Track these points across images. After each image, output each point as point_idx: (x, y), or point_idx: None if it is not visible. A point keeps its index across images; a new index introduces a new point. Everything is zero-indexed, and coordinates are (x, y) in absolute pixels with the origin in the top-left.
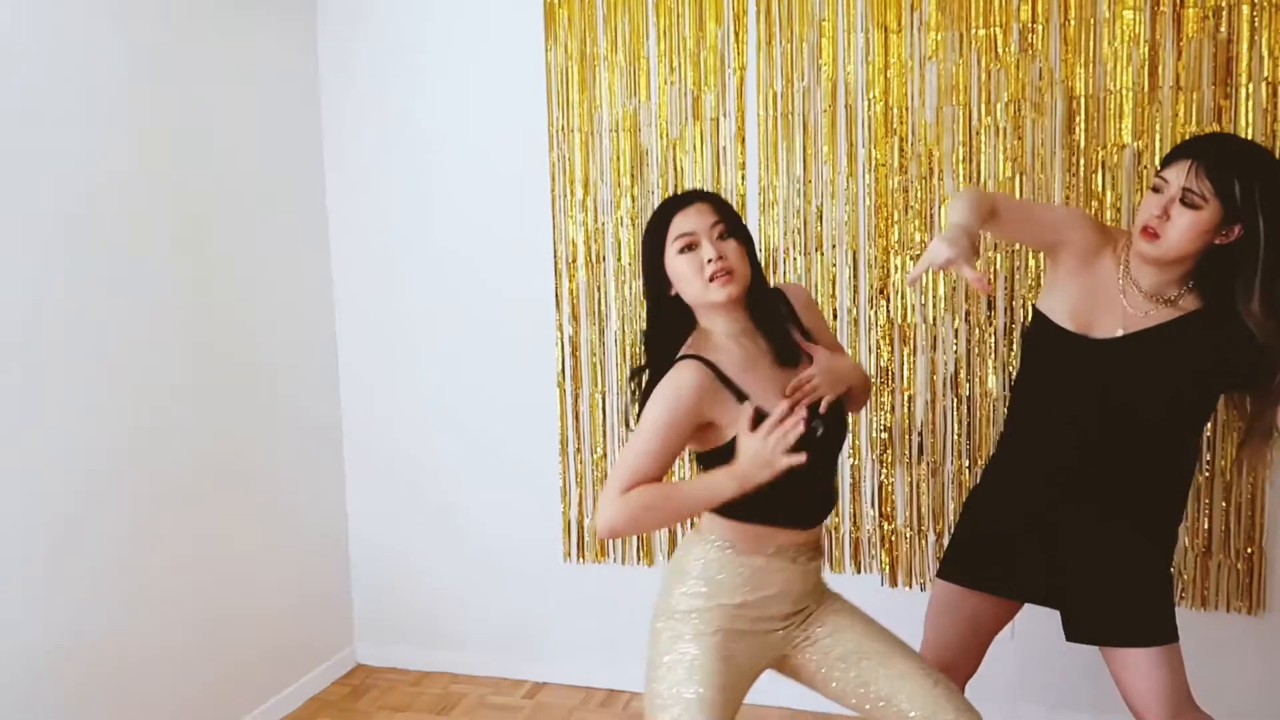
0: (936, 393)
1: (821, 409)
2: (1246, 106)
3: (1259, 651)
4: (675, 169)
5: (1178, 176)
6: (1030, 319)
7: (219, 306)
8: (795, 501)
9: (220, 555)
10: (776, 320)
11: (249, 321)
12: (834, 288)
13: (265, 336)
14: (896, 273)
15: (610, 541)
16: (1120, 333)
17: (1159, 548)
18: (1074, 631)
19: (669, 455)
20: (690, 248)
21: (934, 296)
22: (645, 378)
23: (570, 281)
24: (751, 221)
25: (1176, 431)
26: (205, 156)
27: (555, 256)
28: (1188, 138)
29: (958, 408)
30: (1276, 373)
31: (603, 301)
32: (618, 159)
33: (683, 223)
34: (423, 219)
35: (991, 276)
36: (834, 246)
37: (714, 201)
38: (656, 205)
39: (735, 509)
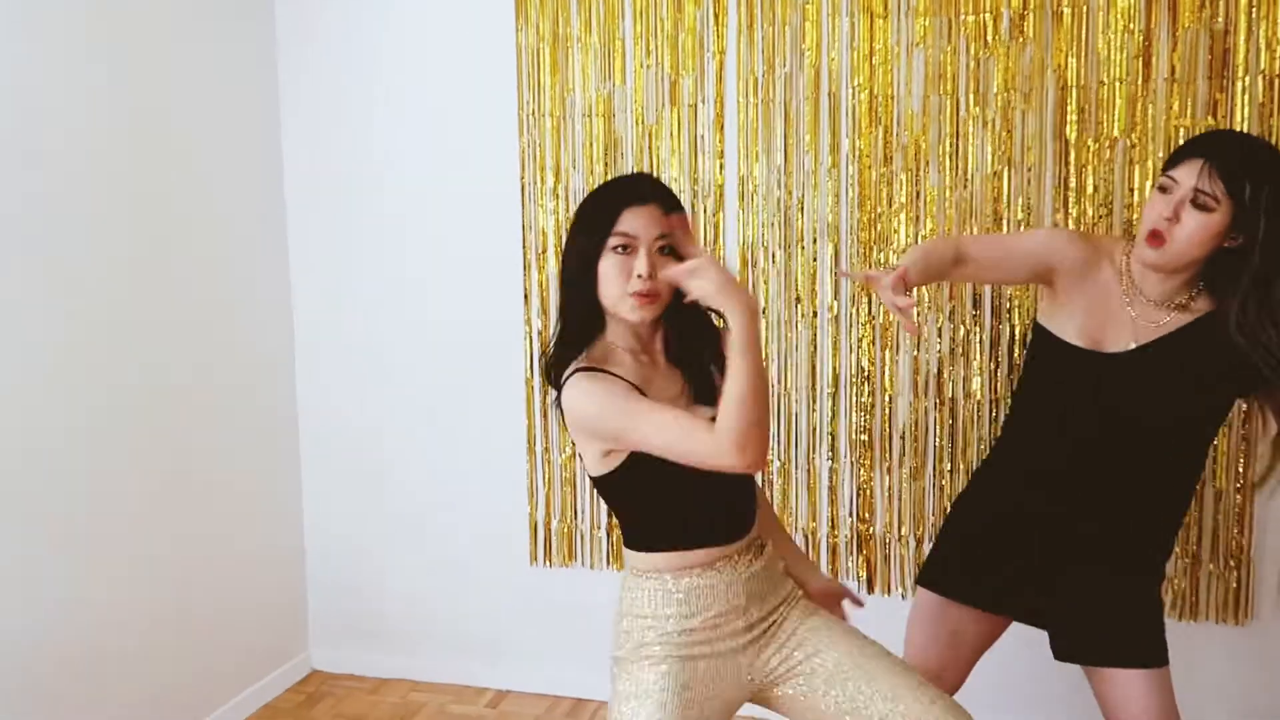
0: (918, 393)
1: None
2: (1242, 100)
3: (1246, 661)
4: (651, 156)
5: (1189, 176)
6: (1032, 334)
7: (172, 302)
8: (712, 520)
9: (169, 557)
10: (694, 353)
11: (202, 317)
12: (814, 283)
13: (219, 332)
14: (879, 267)
15: (579, 544)
16: (1133, 345)
17: (1156, 566)
18: (1062, 650)
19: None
20: (626, 249)
21: (917, 293)
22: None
23: (540, 274)
24: (730, 213)
25: (1192, 444)
26: (159, 146)
27: (524, 247)
28: (1194, 134)
29: (939, 409)
30: None
31: None
32: (591, 145)
33: (629, 221)
34: (385, 207)
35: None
36: (815, 240)
37: (666, 206)
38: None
39: (646, 543)
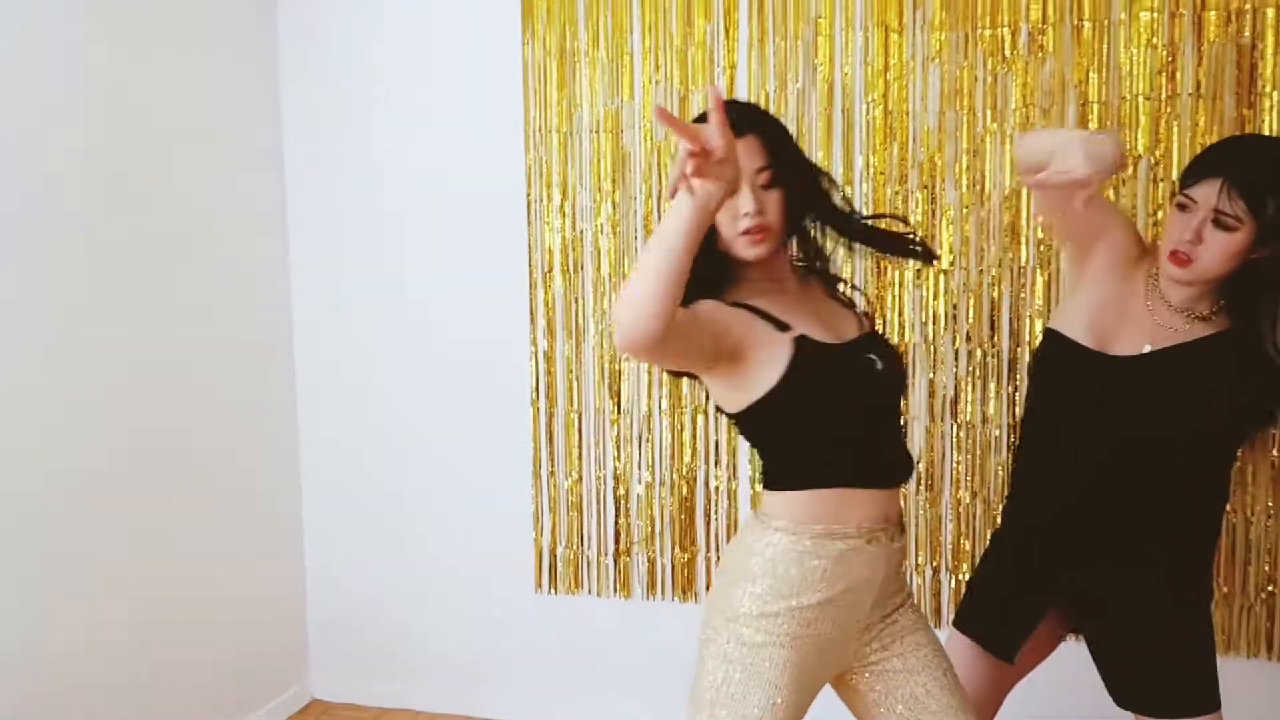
0: (935, 418)
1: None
2: (1270, 116)
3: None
4: (659, 173)
5: (1208, 197)
6: (1041, 342)
7: (172, 328)
8: (866, 453)
9: (169, 585)
10: (817, 271)
11: (202, 341)
12: None
13: (218, 355)
14: (894, 288)
15: (585, 571)
16: (1147, 348)
17: (1194, 603)
18: (1119, 698)
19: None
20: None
21: (933, 314)
22: None
23: (546, 292)
24: None
25: (1206, 464)
26: (164, 160)
27: (530, 266)
28: (1209, 145)
29: (957, 433)
30: None
31: (580, 314)
32: (598, 162)
33: None
34: (388, 226)
35: (996, 298)
36: (828, 259)
37: (767, 136)
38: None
39: (800, 471)
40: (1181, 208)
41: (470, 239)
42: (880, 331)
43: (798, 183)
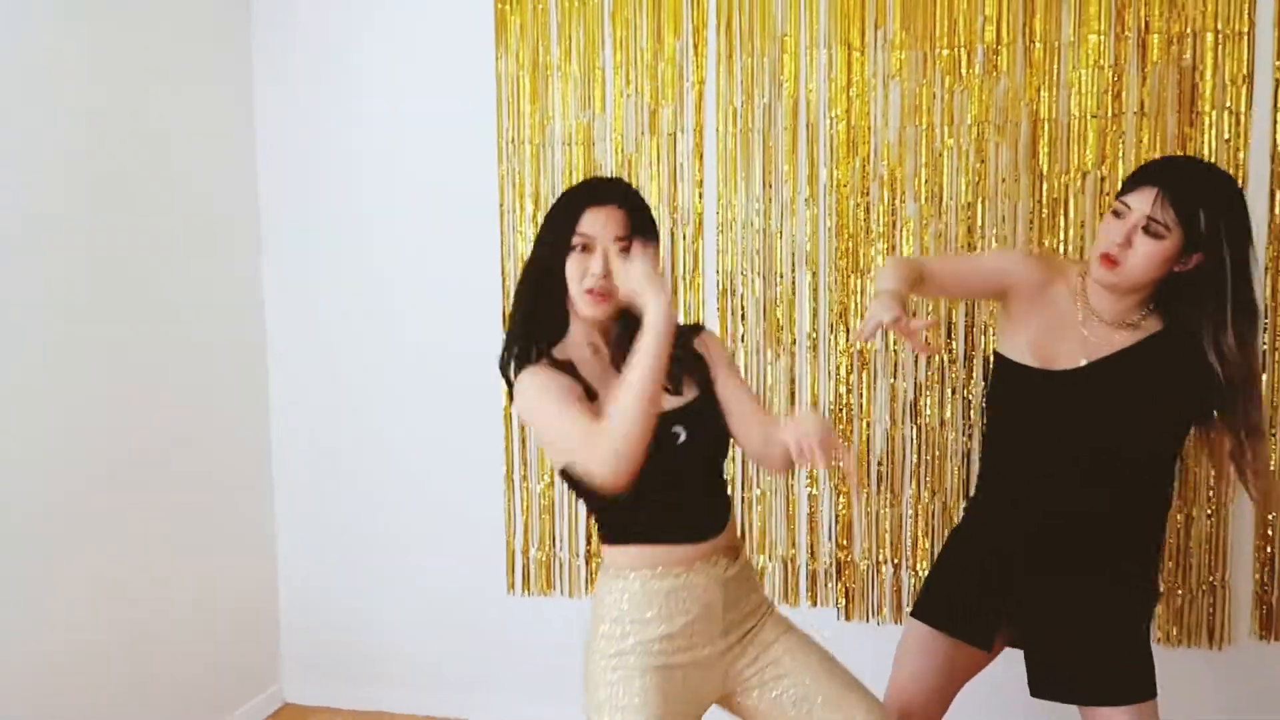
0: (896, 420)
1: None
2: (1209, 134)
3: (1223, 687)
4: (631, 184)
5: (1141, 204)
6: (993, 366)
7: (144, 332)
8: (679, 514)
9: (139, 587)
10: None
11: (174, 344)
12: (793, 311)
13: (192, 359)
14: (856, 296)
15: (558, 573)
16: (1083, 362)
17: (1138, 597)
18: (1041, 688)
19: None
20: (585, 249)
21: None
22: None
23: None
24: (709, 241)
25: (1149, 464)
26: (141, 172)
27: (503, 275)
28: (1149, 160)
29: (917, 436)
30: (1240, 401)
31: None
32: (570, 173)
33: (590, 222)
34: (361, 235)
35: (952, 306)
36: (793, 269)
37: (630, 209)
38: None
39: (621, 531)
40: (1116, 214)
41: (444, 249)
42: (709, 402)
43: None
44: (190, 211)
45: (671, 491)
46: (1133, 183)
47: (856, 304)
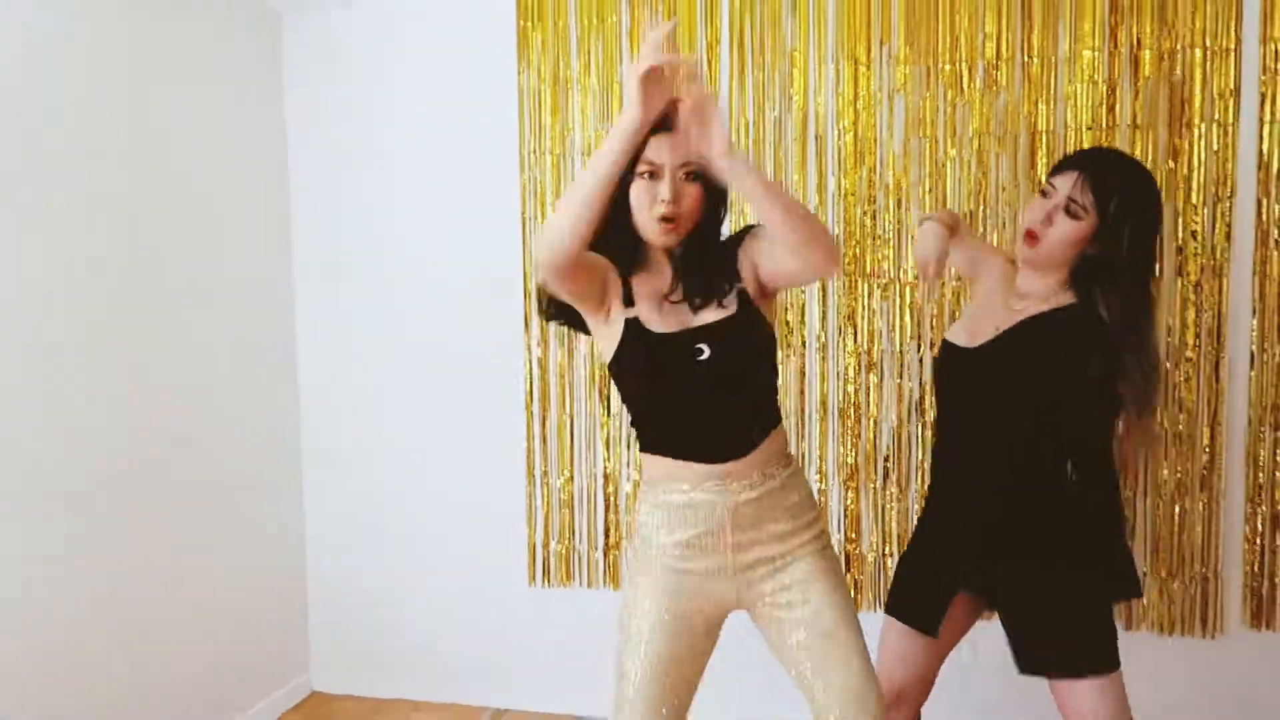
0: (902, 419)
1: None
2: (1199, 145)
3: (1215, 675)
4: None
5: (1065, 185)
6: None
7: (175, 325)
8: (687, 433)
9: (169, 581)
10: (699, 269)
11: (206, 341)
12: (803, 315)
13: (223, 356)
14: (863, 299)
15: (577, 565)
16: (993, 332)
17: (1096, 577)
18: (1019, 664)
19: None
20: (651, 175)
21: (899, 324)
22: None
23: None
24: None
25: (1075, 444)
26: (168, 179)
27: (525, 277)
28: (1080, 149)
29: (922, 432)
30: (1131, 378)
31: None
32: None
33: (654, 149)
34: (389, 240)
35: (955, 308)
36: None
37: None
38: None
39: (646, 441)
40: (1043, 194)
41: (468, 255)
42: (748, 317)
43: (716, 188)
44: (223, 212)
45: (688, 409)
46: (1060, 167)
47: (864, 306)
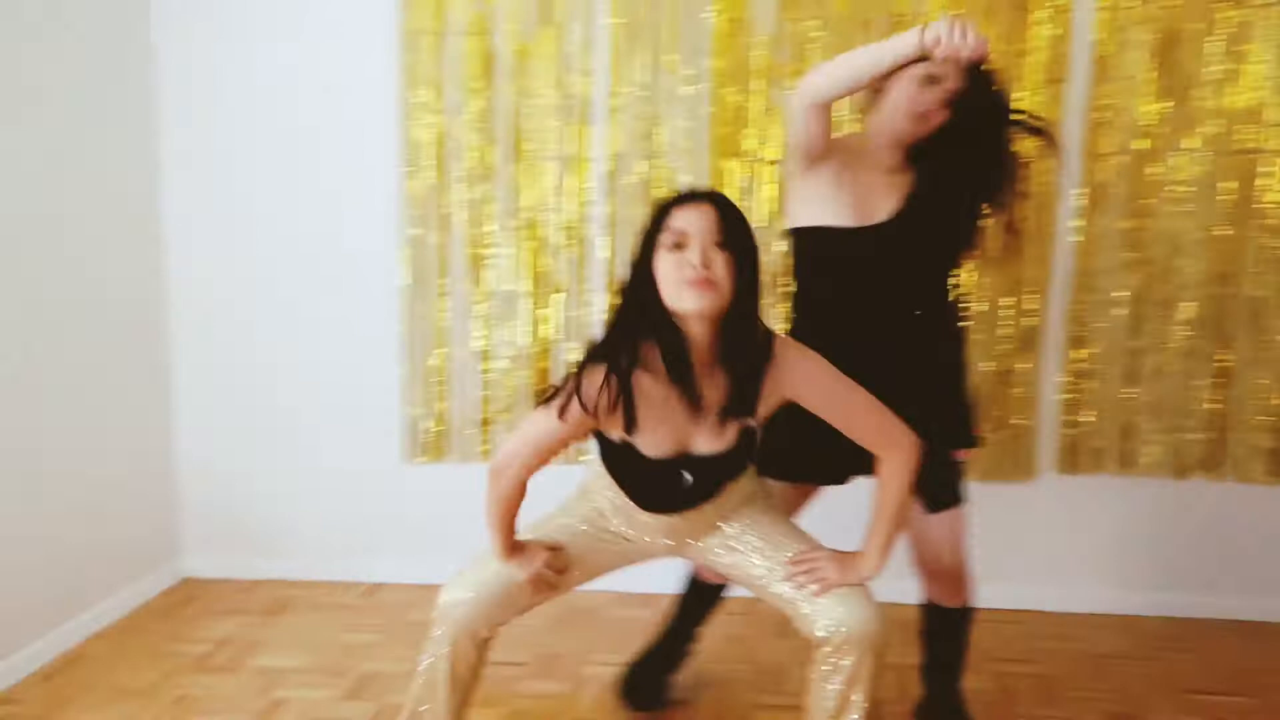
0: None
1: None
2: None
3: (1031, 513)
4: (522, 74)
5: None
6: (793, 242)
7: (33, 187)
8: (659, 509)
9: (34, 463)
10: (735, 361)
11: (66, 203)
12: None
13: (86, 218)
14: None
15: (451, 441)
16: (889, 209)
17: (942, 421)
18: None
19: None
20: (679, 246)
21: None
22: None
23: (415, 183)
24: (599, 131)
25: (944, 283)
26: (27, 132)
27: (401, 159)
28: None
29: None
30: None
31: (447, 205)
32: (469, 62)
33: (680, 219)
34: (260, 116)
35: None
36: (677, 156)
37: (720, 205)
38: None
39: (611, 471)
40: (931, 80)
41: (344, 136)
42: (741, 451)
43: (747, 255)
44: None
45: (659, 501)
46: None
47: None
